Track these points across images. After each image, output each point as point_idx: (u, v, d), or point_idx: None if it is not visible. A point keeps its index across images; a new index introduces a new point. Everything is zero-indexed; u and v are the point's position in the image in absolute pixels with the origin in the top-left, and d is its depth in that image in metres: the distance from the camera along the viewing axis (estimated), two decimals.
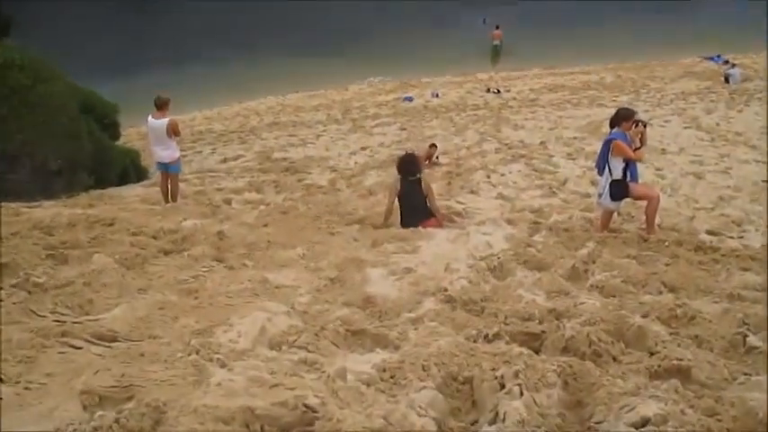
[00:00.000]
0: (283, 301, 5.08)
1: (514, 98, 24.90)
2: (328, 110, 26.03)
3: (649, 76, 27.51)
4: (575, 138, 16.29)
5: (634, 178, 8.27)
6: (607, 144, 8.23)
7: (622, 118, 8.22)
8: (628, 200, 8.59)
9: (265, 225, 9.01)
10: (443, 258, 6.74)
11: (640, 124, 8.24)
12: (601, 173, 8.42)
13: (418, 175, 9.03)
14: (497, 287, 5.66)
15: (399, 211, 9.09)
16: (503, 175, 12.96)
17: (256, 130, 22.07)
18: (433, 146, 14.80)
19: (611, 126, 8.36)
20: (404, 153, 9.71)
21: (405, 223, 8.78)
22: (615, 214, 8.79)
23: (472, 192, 11.69)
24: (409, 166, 9.09)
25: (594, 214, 9.18)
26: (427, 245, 7.47)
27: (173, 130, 10.68)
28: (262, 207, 10.86)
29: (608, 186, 8.23)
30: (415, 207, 8.90)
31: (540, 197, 11.10)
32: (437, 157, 14.61)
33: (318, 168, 14.93)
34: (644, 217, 8.38)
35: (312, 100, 30.34)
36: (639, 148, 8.26)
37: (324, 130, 20.75)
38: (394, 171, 9.51)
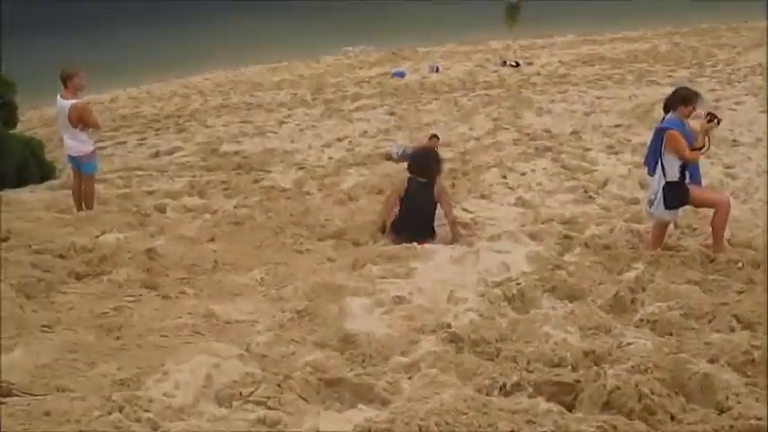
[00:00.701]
0: (235, 342, 5.05)
1: (538, 73, 24.99)
2: (294, 88, 26.02)
3: (716, 44, 27.73)
4: (617, 125, 16.36)
5: (695, 179, 8.29)
6: (659, 134, 8.25)
7: (681, 100, 8.23)
8: (687, 208, 8.62)
9: (211, 240, 8.97)
10: (446, 284, 6.72)
11: (715, 120, 8.20)
12: (652, 172, 8.44)
13: (432, 178, 9.22)
14: (517, 322, 5.66)
15: (396, 217, 9.21)
16: (523, 174, 12.99)
17: (199, 115, 22.00)
18: (434, 137, 14.83)
19: (666, 110, 8.38)
20: (420, 148, 10.18)
21: (399, 232, 8.95)
22: (671, 226, 8.81)
23: (483, 196, 11.70)
24: (426, 165, 9.39)
25: (644, 226, 9.20)
26: (425, 267, 7.46)
27: (77, 119, 10.51)
28: (206, 216, 10.80)
29: (661, 190, 8.26)
30: (417, 216, 9.13)
31: (573, 203, 11.12)
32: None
33: (281, 165, 14.90)
34: (709, 229, 8.40)
35: (273, 75, 30.32)
36: (701, 148, 8.21)
37: (288, 115, 20.72)
38: (399, 171, 9.57)
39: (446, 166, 13.74)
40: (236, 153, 16.23)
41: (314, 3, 41.59)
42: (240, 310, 6.00)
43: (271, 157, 15.68)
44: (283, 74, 30.20)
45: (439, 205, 9.27)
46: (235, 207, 11.42)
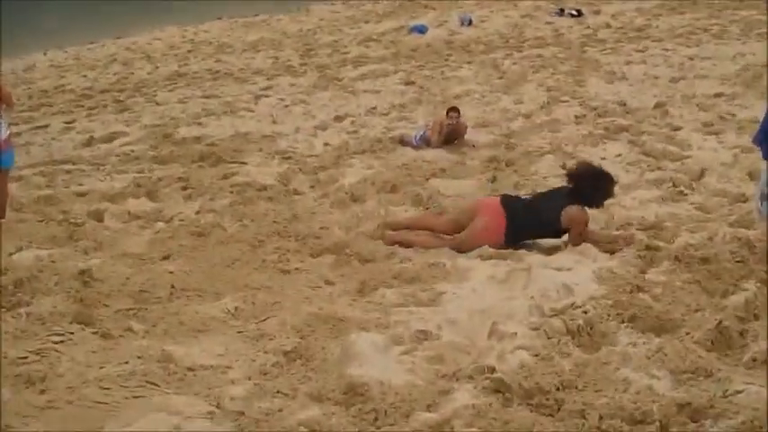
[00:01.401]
0: (202, 395, 5.07)
1: (608, 25, 25.01)
2: (276, 50, 26.09)
3: None
4: (717, 95, 16.33)
5: None
6: None
7: None
8: None
9: (166, 258, 8.98)
10: (486, 314, 6.74)
11: None
12: (766, 156, 8.44)
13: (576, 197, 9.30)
14: (585, 365, 5.66)
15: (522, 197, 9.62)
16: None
17: (146, 88, 22.08)
18: (452, 111, 14.66)
19: None
20: (597, 167, 9.95)
21: (510, 212, 9.15)
22: None
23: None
24: (584, 183, 9.30)
25: (756, 232, 9.20)
26: (457, 290, 7.46)
27: None
28: (159, 225, 10.83)
29: None
30: (531, 217, 9.25)
31: (658, 202, 11.10)
32: (460, 130, 14.50)
33: (259, 155, 14.89)
34: None
35: (247, 32, 30.40)
36: None
37: (268, 87, 20.77)
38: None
39: (483, 154, 13.76)
40: (198, 139, 16.23)
41: None
42: (207, 353, 6.02)
43: (245, 143, 15.66)
44: (260, 31, 30.30)
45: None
46: (197, 213, 11.42)
